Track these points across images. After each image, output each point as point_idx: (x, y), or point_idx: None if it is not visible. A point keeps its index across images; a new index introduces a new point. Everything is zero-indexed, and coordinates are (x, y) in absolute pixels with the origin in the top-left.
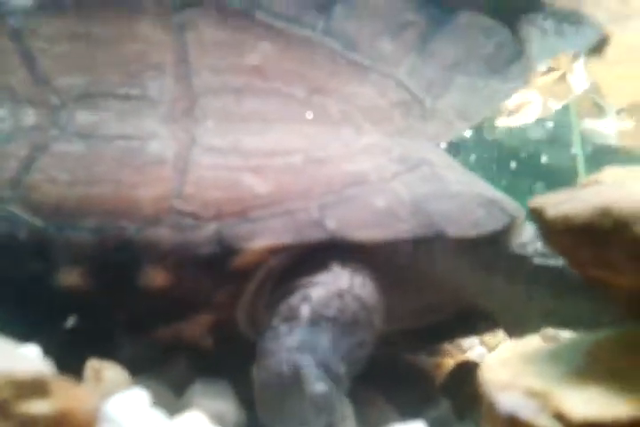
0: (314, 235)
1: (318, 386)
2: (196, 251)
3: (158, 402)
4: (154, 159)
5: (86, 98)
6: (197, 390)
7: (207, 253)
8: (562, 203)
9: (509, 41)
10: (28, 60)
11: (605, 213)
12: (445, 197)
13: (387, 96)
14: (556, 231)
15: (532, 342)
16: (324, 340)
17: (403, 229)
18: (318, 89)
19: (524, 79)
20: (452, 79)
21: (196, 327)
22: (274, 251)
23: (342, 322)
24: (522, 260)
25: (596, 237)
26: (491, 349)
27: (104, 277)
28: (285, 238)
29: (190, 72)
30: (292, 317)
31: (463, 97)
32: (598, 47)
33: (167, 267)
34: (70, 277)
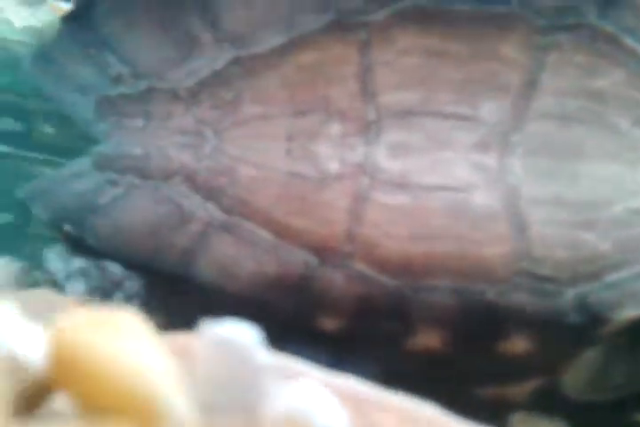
0: None
1: None
2: (560, 319)
3: None
4: (483, 211)
5: (405, 114)
6: None
7: (571, 322)
8: None
9: None
10: (365, 71)
11: None
12: None
13: None
14: None
15: None
16: None
17: None
18: None
19: None
20: None
21: (523, 389)
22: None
23: None
24: None
25: None
26: None
27: (462, 341)
28: None
29: (533, 95)
30: None
31: None
32: None
33: (529, 334)
34: (428, 340)
